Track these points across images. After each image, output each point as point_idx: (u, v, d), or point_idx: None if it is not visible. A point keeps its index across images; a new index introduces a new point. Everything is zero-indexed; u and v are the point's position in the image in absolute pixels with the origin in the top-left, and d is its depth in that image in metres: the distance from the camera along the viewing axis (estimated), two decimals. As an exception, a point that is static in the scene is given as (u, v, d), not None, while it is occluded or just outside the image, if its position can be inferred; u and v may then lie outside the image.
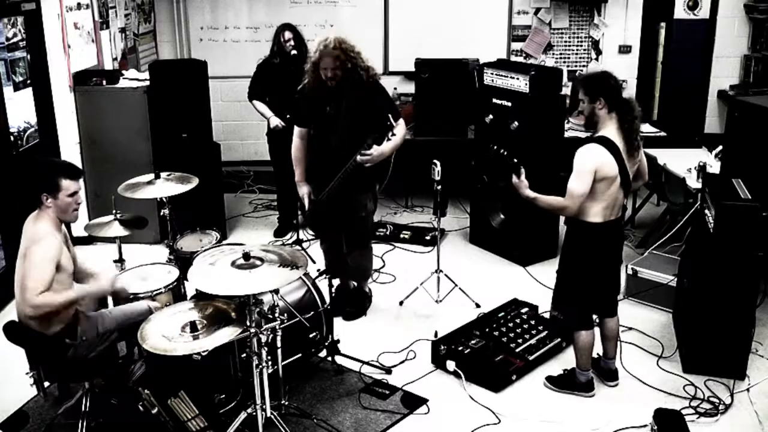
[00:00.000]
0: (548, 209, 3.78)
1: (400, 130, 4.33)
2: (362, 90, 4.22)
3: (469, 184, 5.94)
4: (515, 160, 3.76)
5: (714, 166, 5.17)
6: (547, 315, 4.55)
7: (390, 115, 4.18)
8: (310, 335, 3.94)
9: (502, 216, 5.73)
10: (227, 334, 3.11)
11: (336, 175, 4.30)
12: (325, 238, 4.77)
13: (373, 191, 4.54)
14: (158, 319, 3.24)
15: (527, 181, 3.72)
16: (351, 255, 4.65)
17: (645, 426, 3.63)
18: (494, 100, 5.49)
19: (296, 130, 4.54)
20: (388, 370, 4.15)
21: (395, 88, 7.23)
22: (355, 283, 4.85)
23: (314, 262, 5.29)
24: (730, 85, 7.47)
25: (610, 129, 3.55)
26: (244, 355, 3.41)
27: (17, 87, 5.24)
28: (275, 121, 5.85)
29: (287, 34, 5.70)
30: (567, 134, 5.91)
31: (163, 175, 4.32)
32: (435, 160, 4.67)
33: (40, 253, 3.20)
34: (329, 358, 4.15)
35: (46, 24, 5.47)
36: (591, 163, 3.48)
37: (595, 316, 3.87)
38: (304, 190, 4.53)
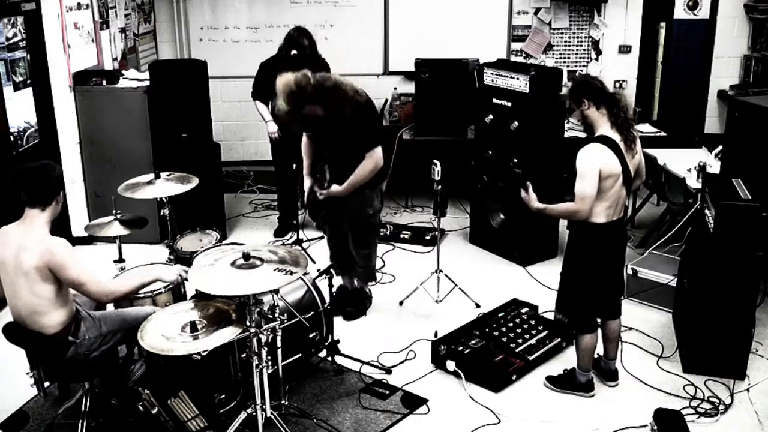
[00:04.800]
0: (560, 217, 3.78)
1: (365, 164, 4.29)
2: (346, 115, 4.19)
3: (469, 184, 5.94)
4: (520, 172, 3.78)
5: (714, 166, 5.17)
6: (547, 315, 4.56)
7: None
8: (310, 335, 3.94)
9: (502, 216, 5.73)
10: (227, 334, 3.11)
11: (328, 181, 4.42)
12: (331, 233, 4.77)
13: (380, 189, 4.56)
14: (158, 319, 3.24)
15: (534, 194, 3.74)
16: (358, 254, 4.65)
17: (645, 426, 3.63)
18: (494, 100, 5.49)
19: None
20: (388, 370, 4.15)
21: (395, 88, 7.23)
22: (358, 284, 4.84)
23: (314, 262, 5.30)
24: (730, 85, 7.46)
25: (605, 127, 3.57)
26: (244, 355, 3.41)
27: (17, 87, 5.24)
28: (272, 127, 5.86)
29: (305, 41, 5.63)
30: (567, 134, 5.91)
31: (163, 175, 4.31)
32: (435, 160, 4.67)
33: (67, 255, 3.18)
34: (329, 358, 4.15)
35: (46, 24, 5.47)
36: (595, 162, 3.49)
37: (598, 318, 3.87)
38: (307, 183, 4.58)
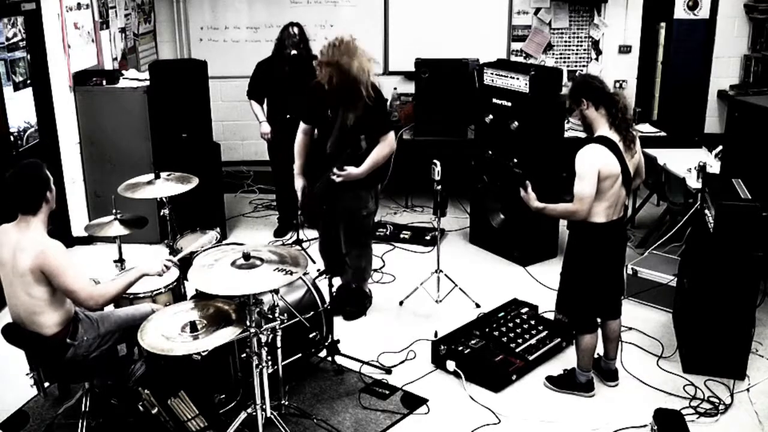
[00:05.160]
0: (559, 217, 3.78)
1: (382, 148, 4.33)
2: (359, 102, 4.20)
3: (469, 184, 5.94)
4: (520, 172, 3.78)
5: (714, 166, 5.17)
6: (547, 315, 4.55)
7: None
8: (310, 335, 3.94)
9: (502, 216, 5.73)
10: (227, 334, 3.11)
11: (325, 177, 4.39)
12: (324, 234, 4.77)
13: (375, 190, 4.57)
14: (158, 319, 3.24)
15: (534, 194, 3.74)
16: (349, 255, 4.65)
17: (645, 426, 3.63)
18: (494, 100, 5.49)
19: (301, 125, 4.56)
20: (388, 370, 4.15)
21: (395, 88, 7.23)
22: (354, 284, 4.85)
23: (314, 262, 5.30)
24: (730, 85, 7.47)
25: (603, 127, 3.57)
26: (244, 355, 3.41)
27: (17, 87, 5.24)
28: (265, 128, 5.87)
29: (295, 30, 5.69)
30: (567, 134, 5.91)
31: (163, 175, 4.31)
32: (435, 160, 4.67)
33: (61, 259, 3.17)
34: (329, 358, 4.15)
35: (46, 24, 5.47)
36: (593, 163, 3.49)
37: (598, 318, 3.87)
38: (299, 184, 4.58)
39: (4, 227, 3.29)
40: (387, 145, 4.37)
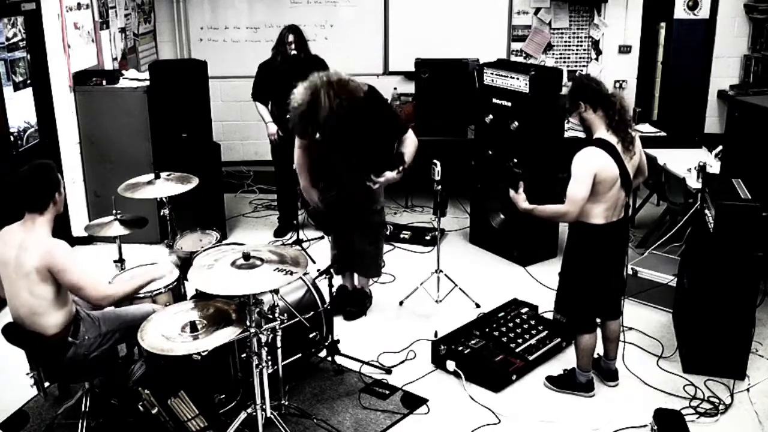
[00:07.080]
0: (548, 218, 3.76)
1: (408, 145, 4.35)
2: (360, 115, 4.13)
3: (469, 184, 5.94)
4: (518, 171, 3.76)
5: (714, 166, 5.17)
6: (547, 315, 4.55)
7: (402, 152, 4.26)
8: (310, 335, 3.95)
9: (502, 216, 5.73)
10: (227, 334, 3.11)
11: (338, 186, 4.40)
12: (337, 233, 4.76)
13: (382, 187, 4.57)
14: (158, 319, 3.24)
15: (524, 194, 3.72)
16: (364, 251, 4.65)
17: (645, 426, 3.63)
18: (494, 100, 5.49)
19: (297, 140, 4.48)
20: (388, 370, 4.15)
21: (395, 88, 7.23)
22: (360, 282, 4.84)
23: (314, 262, 5.30)
24: (730, 85, 7.47)
25: (601, 129, 3.56)
26: (244, 355, 3.41)
27: (17, 87, 5.24)
28: (272, 129, 5.86)
29: (290, 37, 5.70)
30: (567, 134, 5.91)
31: (163, 175, 4.32)
32: (435, 160, 4.67)
33: (67, 257, 3.18)
34: (329, 358, 4.15)
35: (46, 24, 5.47)
36: (590, 167, 3.48)
37: (597, 318, 3.87)
38: (314, 197, 4.55)
39: (9, 227, 3.30)
40: (412, 140, 4.38)
